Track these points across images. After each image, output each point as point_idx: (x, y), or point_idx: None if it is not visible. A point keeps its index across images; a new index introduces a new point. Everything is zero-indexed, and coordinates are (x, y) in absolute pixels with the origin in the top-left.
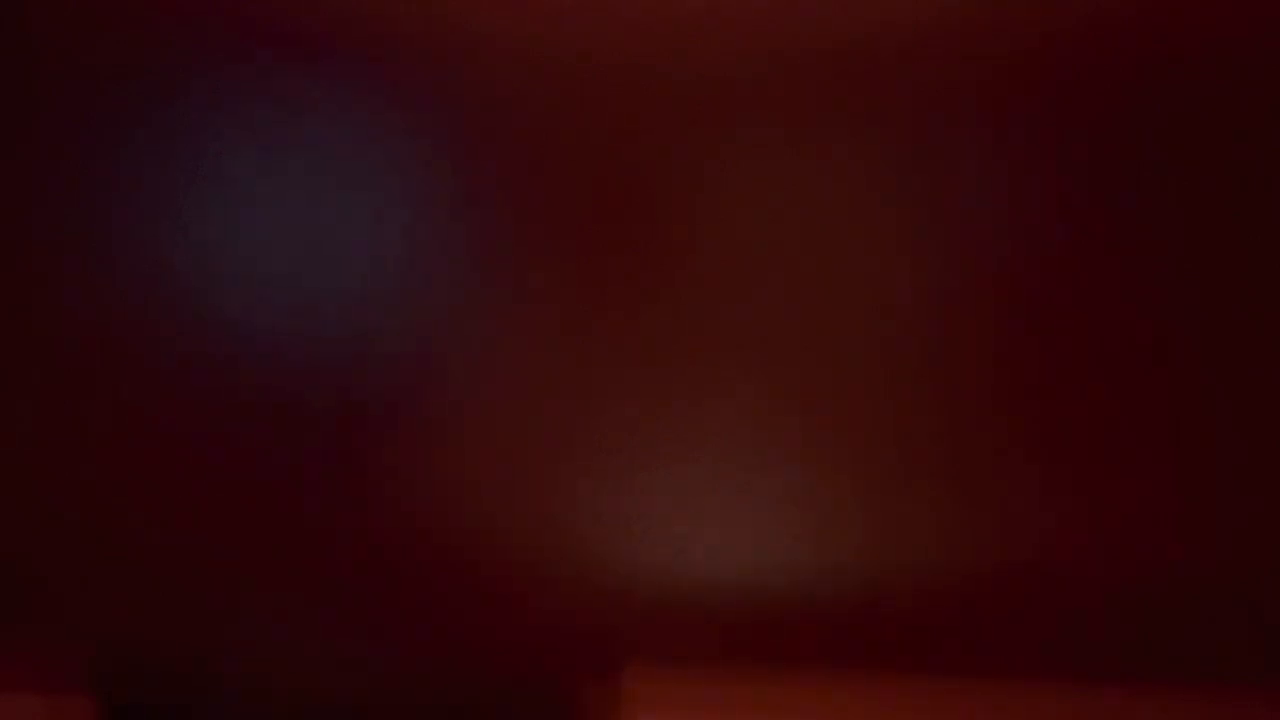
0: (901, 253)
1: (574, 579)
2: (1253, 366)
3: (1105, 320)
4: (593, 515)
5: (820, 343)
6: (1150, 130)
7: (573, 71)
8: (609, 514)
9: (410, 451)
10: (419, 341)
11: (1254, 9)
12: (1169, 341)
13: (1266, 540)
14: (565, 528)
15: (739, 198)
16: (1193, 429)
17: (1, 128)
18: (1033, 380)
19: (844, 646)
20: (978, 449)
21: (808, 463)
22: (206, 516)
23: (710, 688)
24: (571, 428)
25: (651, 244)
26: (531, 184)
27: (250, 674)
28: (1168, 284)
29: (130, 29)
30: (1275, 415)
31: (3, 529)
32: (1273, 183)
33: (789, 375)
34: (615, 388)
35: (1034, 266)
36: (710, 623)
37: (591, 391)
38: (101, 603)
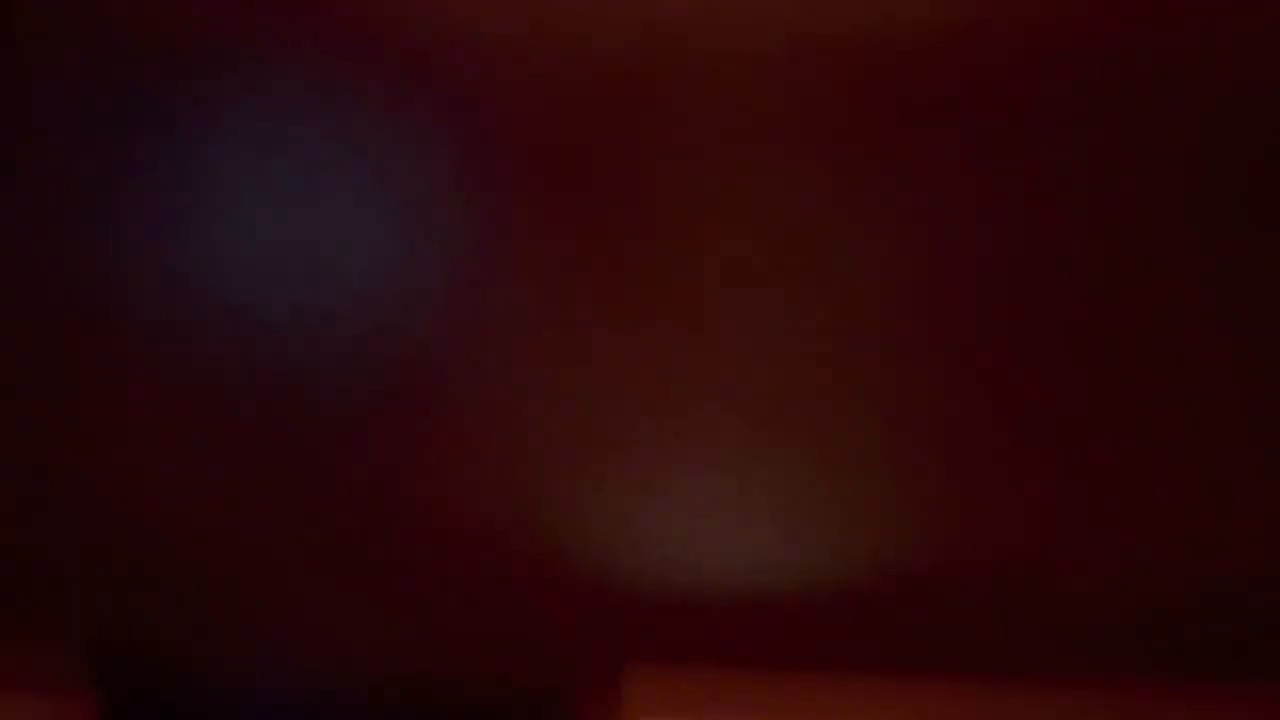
0: (893, 261)
1: (574, 579)
2: (1249, 371)
3: (1101, 321)
4: (593, 517)
5: (817, 348)
6: (1137, 137)
7: (575, 78)
8: (609, 515)
9: (410, 453)
10: (419, 342)
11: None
12: (1167, 345)
13: (1267, 540)
14: (565, 529)
15: (738, 203)
16: (1195, 430)
17: (2, 127)
18: (1029, 382)
19: (844, 647)
20: (975, 451)
21: (807, 464)
22: (205, 516)
23: (710, 688)
24: (571, 430)
25: (653, 248)
26: (537, 189)
27: (251, 673)
28: (1164, 287)
29: (132, 27)
30: (1273, 418)
31: (3, 527)
32: (1265, 189)
33: (788, 379)
34: (615, 390)
35: (1028, 273)
36: (710, 623)
37: (591, 394)
38: (101, 602)
